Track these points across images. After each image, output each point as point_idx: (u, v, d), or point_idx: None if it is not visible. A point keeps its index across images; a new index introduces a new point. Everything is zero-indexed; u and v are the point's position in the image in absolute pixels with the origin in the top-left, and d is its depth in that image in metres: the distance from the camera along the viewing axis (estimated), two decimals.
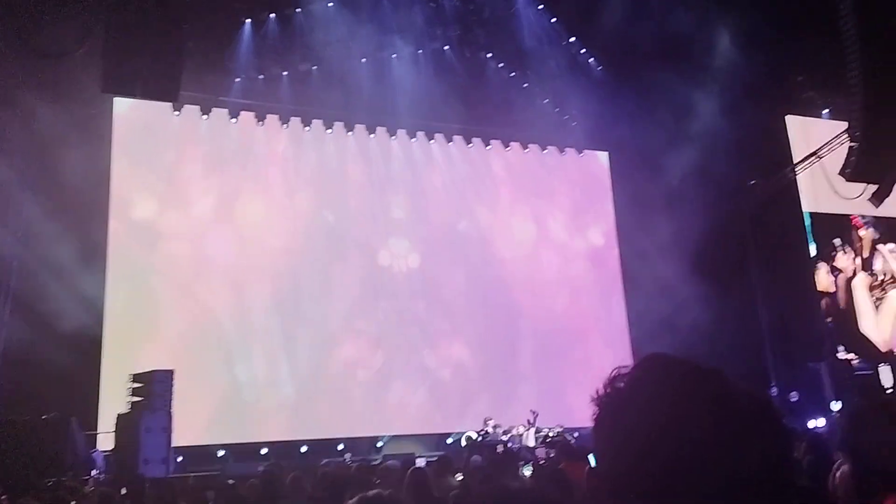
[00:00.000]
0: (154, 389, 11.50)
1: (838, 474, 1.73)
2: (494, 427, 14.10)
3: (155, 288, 14.64)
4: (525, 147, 18.79)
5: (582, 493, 5.18)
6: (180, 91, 12.37)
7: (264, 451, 14.03)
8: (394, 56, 16.65)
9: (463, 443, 13.99)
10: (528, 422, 14.35)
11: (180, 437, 11.93)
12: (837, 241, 18.27)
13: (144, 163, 15.17)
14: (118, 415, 11.65)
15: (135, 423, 11.14)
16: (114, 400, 12.22)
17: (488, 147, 18.46)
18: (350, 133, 17.02)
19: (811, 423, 15.02)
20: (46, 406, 11.44)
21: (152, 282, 14.67)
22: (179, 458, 12.50)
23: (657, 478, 0.91)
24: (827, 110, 18.42)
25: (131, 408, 11.65)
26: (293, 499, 6.05)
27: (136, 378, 11.86)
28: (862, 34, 12.83)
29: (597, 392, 1.03)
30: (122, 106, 14.68)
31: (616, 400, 1.00)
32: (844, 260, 18.31)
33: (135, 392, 11.76)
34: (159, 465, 10.85)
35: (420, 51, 16.76)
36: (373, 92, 16.04)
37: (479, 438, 13.96)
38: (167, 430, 11.33)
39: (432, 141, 17.86)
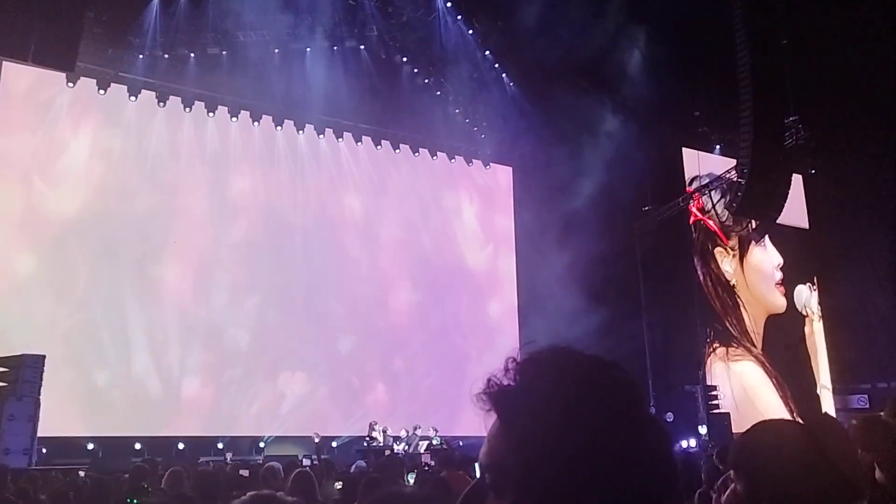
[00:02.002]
0: (21, 375, 10.74)
1: (725, 495, 1.77)
2: (382, 431, 14.02)
3: (29, 270, 13.71)
4: (434, 155, 18.86)
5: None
6: (77, 62, 11.73)
7: (138, 446, 13.40)
8: (308, 50, 16.38)
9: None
10: (410, 429, 14.37)
11: (46, 427, 11.20)
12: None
13: (30, 135, 14.20)
14: None
15: None
16: None
17: (397, 151, 18.40)
18: (256, 124, 16.55)
19: (683, 444, 15.75)
20: None
21: (27, 262, 13.73)
22: (44, 450, 11.73)
23: (566, 476, 0.85)
24: (719, 146, 19.44)
25: None
26: (166, 495, 5.77)
27: (1, 362, 11.07)
28: (755, 78, 13.65)
29: (491, 384, 0.94)
30: (11, 71, 13.73)
31: (522, 391, 0.91)
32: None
33: None
34: (21, 456, 10.15)
35: (335, 47, 16.56)
36: (283, 84, 15.71)
37: (365, 443, 13.85)
38: (33, 419, 10.62)
39: (340, 140, 17.62)
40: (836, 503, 1.58)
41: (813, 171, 19.92)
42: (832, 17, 15.87)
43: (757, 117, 13.83)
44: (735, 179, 15.85)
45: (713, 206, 17.99)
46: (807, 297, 20.48)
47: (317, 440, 13.90)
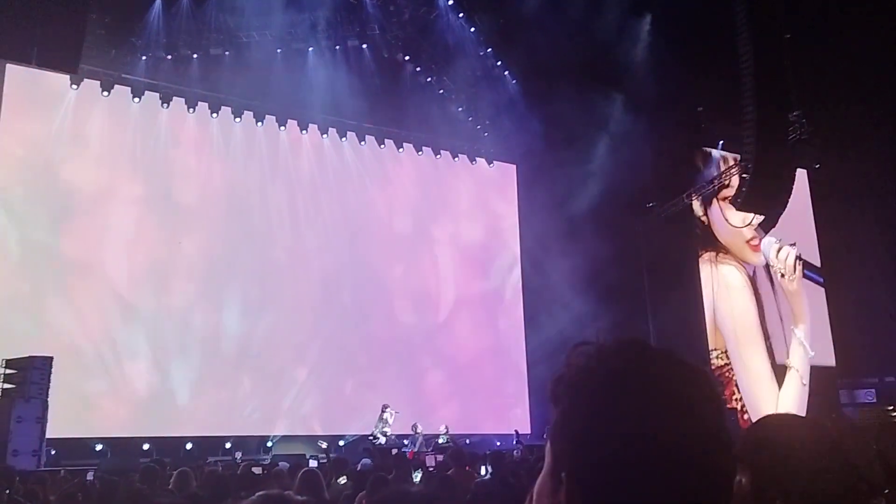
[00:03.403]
0: (30, 376, 10.80)
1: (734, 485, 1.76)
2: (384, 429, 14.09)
3: (39, 271, 13.76)
4: (437, 153, 18.86)
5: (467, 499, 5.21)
6: (80, 64, 11.79)
7: (146, 446, 13.46)
8: (310, 49, 16.40)
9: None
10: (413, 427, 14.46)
11: (55, 429, 11.26)
12: None
13: (35, 139, 14.24)
14: None
15: (5, 412, 10.43)
16: None
17: (400, 150, 18.41)
18: (260, 124, 16.58)
19: None
20: None
21: (37, 264, 13.77)
22: (52, 452, 11.79)
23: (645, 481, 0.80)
24: (722, 141, 19.40)
25: (2, 395, 10.92)
26: (175, 495, 5.81)
27: (9, 364, 11.13)
28: (758, 74, 13.63)
29: (565, 373, 0.88)
30: (16, 74, 13.77)
31: (602, 390, 0.84)
32: None
33: (7, 378, 11.03)
34: (30, 458, 10.19)
35: (337, 46, 16.58)
36: (286, 84, 15.73)
37: (370, 441, 13.90)
38: (41, 421, 10.67)
39: (344, 139, 17.64)
40: (850, 499, 1.57)
41: (818, 166, 19.88)
42: (835, 10, 15.83)
43: (760, 112, 13.80)
44: (739, 175, 15.83)
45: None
46: (783, 254, 20.12)
47: (324, 445, 13.94)
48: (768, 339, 19.16)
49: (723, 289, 18.67)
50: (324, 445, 13.82)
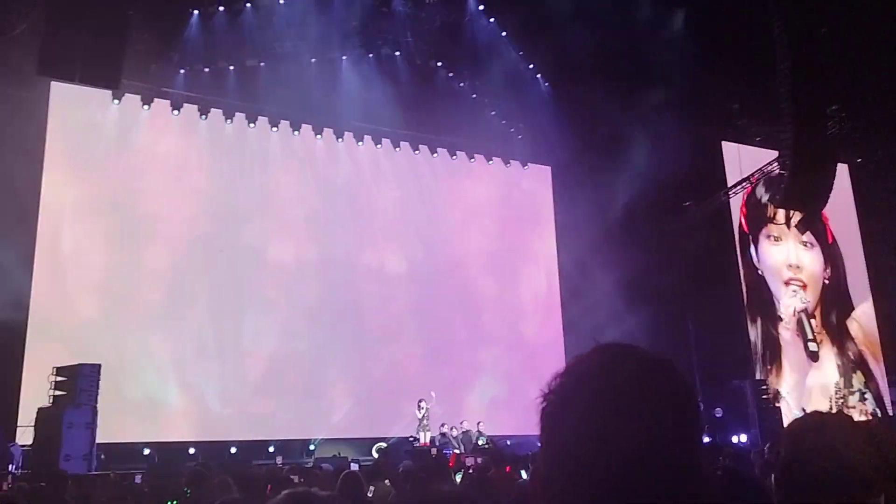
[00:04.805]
0: (79, 384, 11.12)
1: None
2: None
3: (83, 280, 14.16)
4: (471, 157, 18.93)
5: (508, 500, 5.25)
6: (121, 79, 12.10)
7: (192, 450, 13.75)
8: (343, 58, 16.60)
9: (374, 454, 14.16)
10: (452, 428, 14.61)
11: (104, 434, 11.58)
12: None
13: (80, 152, 14.67)
14: (39, 409, 11.24)
15: (57, 418, 10.75)
16: (36, 393, 11.78)
17: (435, 156, 18.52)
18: (296, 133, 16.84)
19: (734, 439, 15.57)
20: None
21: (81, 274, 14.18)
22: (102, 456, 12.11)
23: (607, 477, 0.84)
24: (759, 138, 19.14)
25: (53, 402, 11.25)
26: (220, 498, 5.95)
27: (59, 371, 11.46)
28: (796, 71, 13.43)
29: (547, 385, 0.94)
30: (60, 91, 14.20)
31: (566, 391, 0.91)
32: None
33: (58, 386, 11.36)
34: (81, 462, 10.50)
35: (370, 55, 16.75)
36: (321, 93, 15.95)
37: (411, 441, 14.05)
38: (91, 427, 10.97)
39: (379, 146, 17.82)
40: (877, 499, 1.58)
41: (860, 161, 19.51)
42: (872, 2, 15.52)
43: (798, 107, 13.60)
44: (777, 172, 15.61)
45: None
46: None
47: (384, 446, 14.23)
48: None
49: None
50: (384, 446, 13.99)
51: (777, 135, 14.78)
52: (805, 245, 19.67)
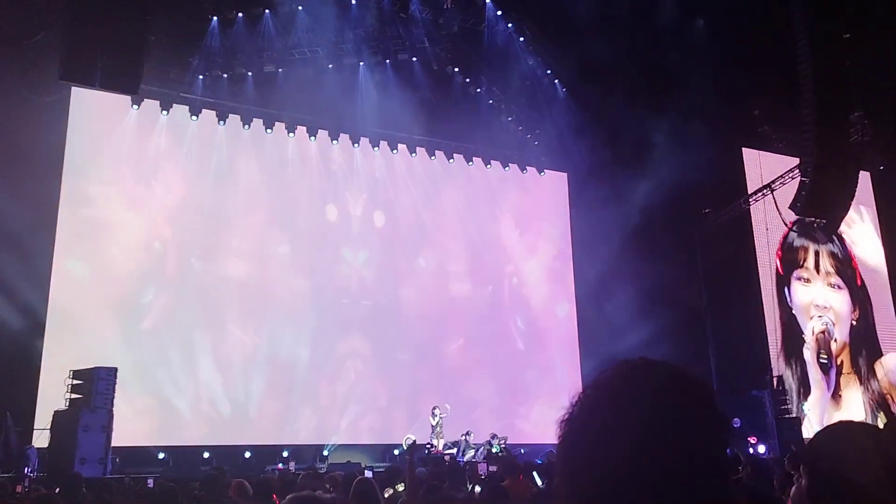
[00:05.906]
0: (95, 387, 11.15)
1: (794, 489, 1.76)
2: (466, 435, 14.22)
3: (101, 285, 14.24)
4: (487, 163, 18.88)
5: None
6: (141, 85, 12.20)
7: (206, 455, 13.77)
8: (361, 64, 16.64)
9: (404, 446, 13.84)
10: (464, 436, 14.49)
11: (119, 438, 11.61)
12: None
13: (100, 156, 14.79)
14: (55, 412, 11.28)
15: (73, 421, 10.78)
16: (52, 396, 11.83)
17: (451, 161, 18.49)
18: (313, 138, 16.88)
19: (751, 450, 15.34)
20: None
21: (99, 278, 14.26)
22: (117, 459, 12.14)
23: (641, 493, 0.84)
24: (780, 145, 18.95)
25: (70, 405, 11.29)
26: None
27: (76, 375, 11.50)
28: (817, 77, 13.27)
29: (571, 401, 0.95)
30: (80, 96, 14.33)
31: (593, 405, 0.91)
32: None
33: (74, 389, 11.40)
34: (96, 465, 10.52)
35: (388, 61, 16.77)
36: (338, 98, 15.98)
37: (426, 450, 13.94)
38: (107, 430, 10.98)
39: (395, 151, 17.82)
40: None
41: (882, 168, 19.26)
42: (894, 7, 15.33)
43: (820, 114, 13.44)
44: (799, 179, 15.42)
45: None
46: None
47: (408, 442, 14.10)
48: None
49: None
50: (413, 438, 13.80)
51: (798, 141, 14.60)
52: (833, 287, 19.55)
